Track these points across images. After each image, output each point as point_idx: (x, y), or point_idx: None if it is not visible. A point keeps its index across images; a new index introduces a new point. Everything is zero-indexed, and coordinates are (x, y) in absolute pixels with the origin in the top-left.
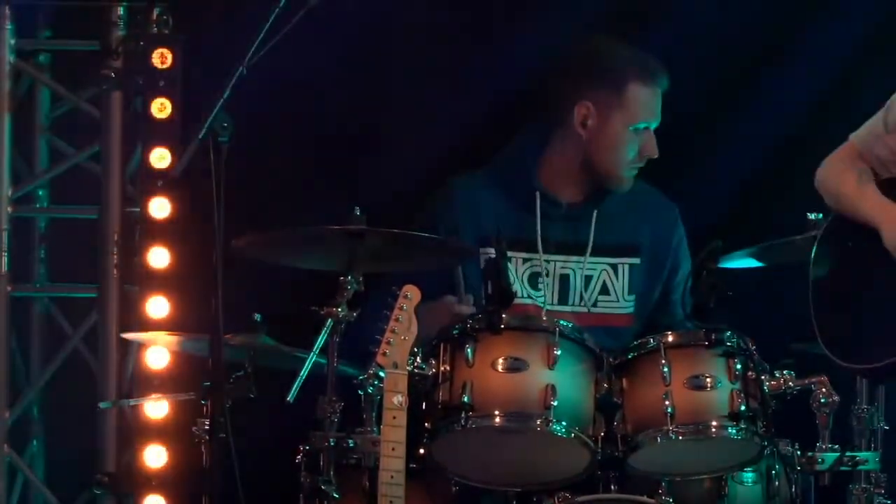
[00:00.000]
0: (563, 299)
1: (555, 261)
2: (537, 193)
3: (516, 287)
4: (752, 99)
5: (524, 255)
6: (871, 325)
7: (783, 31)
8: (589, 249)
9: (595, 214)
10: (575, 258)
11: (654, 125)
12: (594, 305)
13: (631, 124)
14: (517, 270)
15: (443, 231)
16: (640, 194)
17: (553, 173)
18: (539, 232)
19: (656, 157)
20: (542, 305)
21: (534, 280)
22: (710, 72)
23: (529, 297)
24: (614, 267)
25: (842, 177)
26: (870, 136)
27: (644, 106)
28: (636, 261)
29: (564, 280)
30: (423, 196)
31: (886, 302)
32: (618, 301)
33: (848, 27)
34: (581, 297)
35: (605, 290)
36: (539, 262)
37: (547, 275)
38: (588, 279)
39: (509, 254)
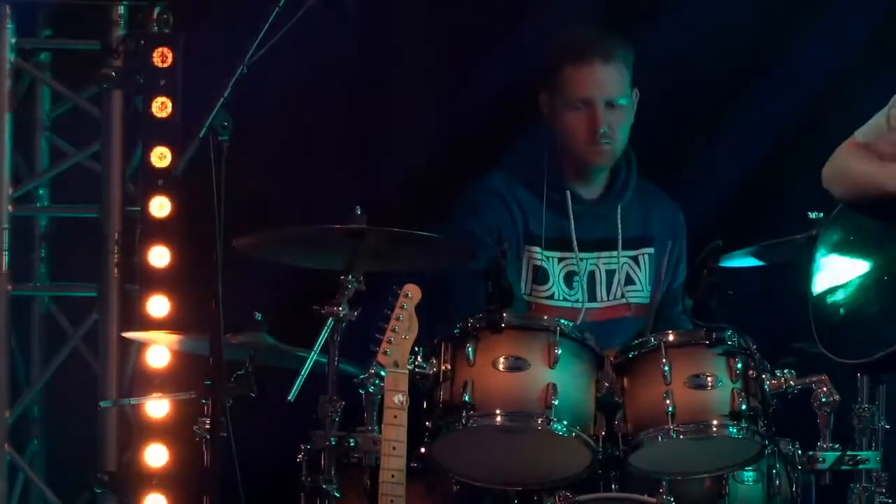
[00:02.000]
0: (591, 296)
1: (587, 258)
2: (567, 192)
3: (554, 288)
4: (752, 99)
5: (560, 254)
6: (859, 319)
7: (784, 30)
8: (620, 244)
9: (619, 209)
10: (606, 254)
11: (604, 99)
12: (622, 297)
13: (569, 105)
14: (553, 270)
15: (479, 230)
16: (647, 191)
17: (568, 169)
18: (574, 231)
19: (600, 131)
20: (582, 305)
21: (569, 279)
22: (710, 72)
23: (565, 298)
24: (635, 259)
25: (862, 161)
26: (873, 132)
27: (577, 85)
28: (651, 251)
29: (591, 277)
30: (423, 195)
31: (880, 293)
32: (642, 290)
33: (849, 27)
34: (609, 292)
35: (630, 281)
36: (575, 261)
37: (579, 273)
38: (612, 273)
39: (548, 253)
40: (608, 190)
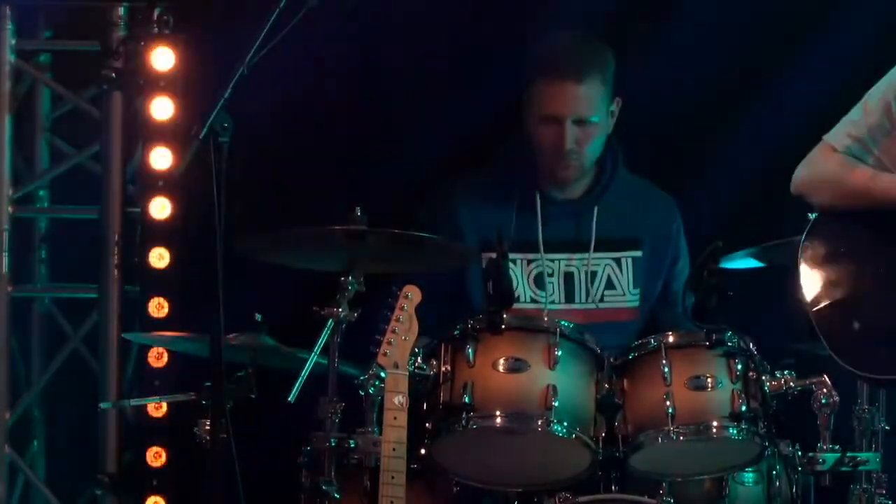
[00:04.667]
0: (569, 297)
1: (559, 259)
2: (537, 194)
3: (519, 290)
4: (754, 100)
5: (528, 256)
6: (878, 333)
7: (786, 34)
8: (592, 245)
9: (596, 210)
10: (578, 255)
11: (573, 117)
12: (601, 301)
13: (539, 118)
14: (522, 272)
15: (444, 234)
16: (637, 188)
17: (546, 173)
18: (540, 232)
19: (566, 149)
20: (545, 306)
21: (540, 280)
22: (712, 74)
23: (533, 300)
24: (617, 261)
25: (847, 171)
26: (856, 145)
27: (547, 100)
28: (638, 254)
29: (569, 278)
30: (424, 196)
31: (891, 306)
32: (624, 295)
33: (851, 32)
34: (587, 294)
35: (610, 285)
36: (542, 263)
37: (551, 274)
38: (592, 275)
39: (513, 256)
40: (589, 190)
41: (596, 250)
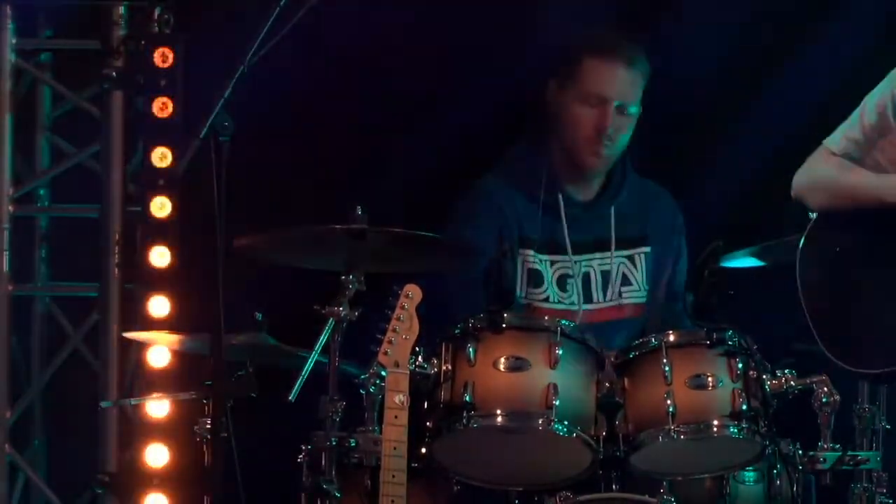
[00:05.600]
0: (588, 297)
1: (581, 260)
2: (560, 195)
3: (548, 292)
4: (754, 99)
5: (553, 257)
6: (873, 329)
7: (787, 32)
8: (613, 245)
9: (613, 210)
10: (599, 255)
11: (616, 102)
12: (621, 297)
13: (581, 98)
14: (547, 273)
15: (476, 236)
16: (643, 187)
17: (563, 171)
18: (567, 234)
19: (607, 130)
20: (571, 307)
21: (562, 282)
22: (713, 73)
23: (560, 301)
24: (631, 258)
25: (849, 172)
26: (852, 146)
27: (595, 80)
28: (647, 249)
29: (587, 278)
30: (425, 195)
31: (886, 304)
32: (639, 290)
33: (851, 30)
34: (606, 292)
35: (626, 282)
36: (569, 264)
37: (572, 275)
38: (607, 274)
39: (542, 257)
40: (603, 191)
41: (615, 249)
